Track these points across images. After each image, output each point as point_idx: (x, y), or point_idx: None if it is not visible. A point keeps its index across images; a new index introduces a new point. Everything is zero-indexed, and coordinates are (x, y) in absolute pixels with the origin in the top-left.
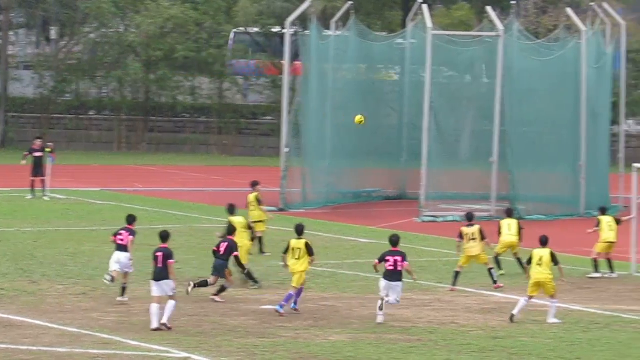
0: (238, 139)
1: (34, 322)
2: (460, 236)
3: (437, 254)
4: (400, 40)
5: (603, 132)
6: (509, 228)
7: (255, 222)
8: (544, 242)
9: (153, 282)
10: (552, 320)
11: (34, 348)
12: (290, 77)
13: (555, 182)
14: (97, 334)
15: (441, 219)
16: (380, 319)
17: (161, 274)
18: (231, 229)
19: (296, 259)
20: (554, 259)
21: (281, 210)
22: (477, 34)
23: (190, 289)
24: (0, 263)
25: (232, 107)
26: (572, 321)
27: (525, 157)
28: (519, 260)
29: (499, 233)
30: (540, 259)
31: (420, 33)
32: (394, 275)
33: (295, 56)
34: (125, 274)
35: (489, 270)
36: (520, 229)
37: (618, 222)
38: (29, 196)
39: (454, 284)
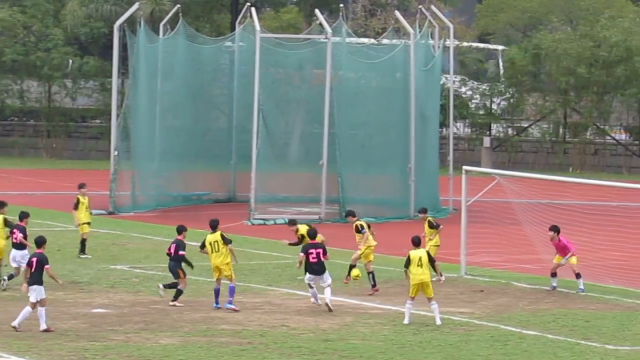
0: (67, 142)
1: None
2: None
3: (268, 257)
4: (229, 43)
5: (432, 135)
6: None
7: (82, 223)
8: (416, 242)
9: (29, 287)
10: (440, 321)
11: None
12: (119, 80)
13: (384, 184)
14: None
15: (271, 222)
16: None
17: (35, 279)
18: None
19: (216, 251)
20: (430, 259)
21: (110, 213)
22: (306, 37)
23: (161, 291)
24: None
25: (61, 110)
26: (402, 323)
27: (354, 159)
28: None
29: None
30: (420, 260)
31: (248, 36)
32: (318, 267)
33: (124, 59)
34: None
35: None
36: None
37: (432, 225)
38: None
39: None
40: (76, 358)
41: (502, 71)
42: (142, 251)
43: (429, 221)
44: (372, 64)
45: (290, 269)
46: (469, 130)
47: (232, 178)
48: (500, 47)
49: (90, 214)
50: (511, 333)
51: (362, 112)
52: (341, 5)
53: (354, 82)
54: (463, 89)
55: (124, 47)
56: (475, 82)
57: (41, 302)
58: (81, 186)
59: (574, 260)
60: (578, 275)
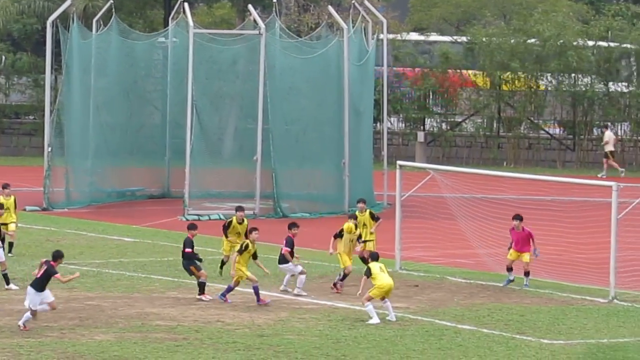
0: (0, 139)
1: None
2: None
3: (202, 253)
4: (162, 39)
5: (366, 130)
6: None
7: (5, 223)
8: (376, 258)
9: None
10: (394, 317)
11: None
12: (52, 77)
13: (319, 179)
14: None
15: (205, 217)
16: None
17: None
18: None
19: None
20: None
21: (45, 209)
22: (239, 32)
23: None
24: None
25: None
26: (337, 318)
27: (288, 155)
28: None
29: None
30: (382, 268)
31: (182, 32)
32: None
33: (57, 55)
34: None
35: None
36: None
37: (374, 217)
38: None
39: None
40: (10, 354)
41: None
42: (77, 247)
43: (370, 213)
44: (305, 59)
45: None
46: (403, 125)
47: (166, 174)
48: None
49: (24, 209)
50: (446, 327)
51: (296, 107)
52: (274, 0)
53: (288, 77)
54: None
55: (57, 44)
56: None
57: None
58: (4, 186)
59: (526, 257)
60: (527, 274)
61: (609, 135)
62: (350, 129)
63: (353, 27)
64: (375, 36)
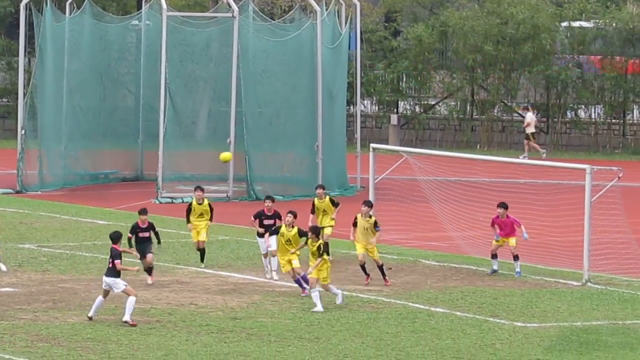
0: None
1: None
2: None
3: (175, 235)
4: (135, 22)
5: (339, 113)
6: None
7: None
8: (318, 233)
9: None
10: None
11: None
12: (26, 59)
13: (292, 162)
14: None
15: (179, 200)
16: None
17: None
18: None
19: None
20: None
21: (18, 192)
22: (212, 15)
23: None
24: None
25: None
26: (311, 301)
27: (261, 138)
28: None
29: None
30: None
31: (155, 14)
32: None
33: (30, 38)
34: None
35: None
36: None
37: (335, 203)
38: None
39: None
40: None
41: None
42: (50, 230)
43: (330, 199)
44: (278, 42)
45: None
46: (376, 107)
47: (139, 157)
48: None
49: None
50: (419, 310)
51: (269, 90)
52: None
53: (261, 60)
54: None
55: (30, 26)
56: None
57: (127, 291)
58: None
59: (513, 242)
60: (516, 258)
61: (530, 116)
62: (324, 112)
63: (326, 9)
64: (348, 19)
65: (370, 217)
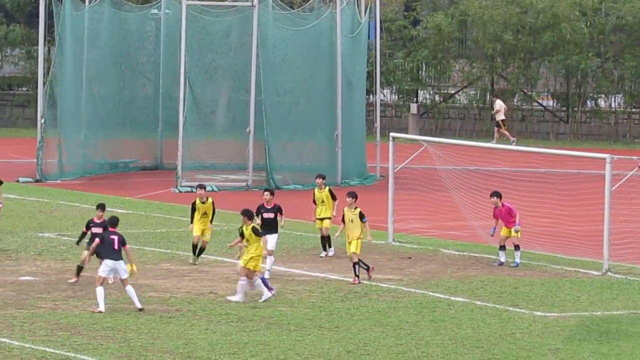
0: None
1: None
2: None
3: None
4: (154, 11)
5: (359, 102)
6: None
7: None
8: (250, 216)
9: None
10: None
11: None
12: (45, 48)
13: (311, 151)
14: None
15: None
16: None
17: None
18: None
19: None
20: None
21: (38, 181)
22: (232, 4)
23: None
24: None
25: None
26: (331, 290)
27: (280, 126)
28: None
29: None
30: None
31: (174, 3)
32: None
33: (50, 27)
34: None
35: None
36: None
37: (334, 196)
38: None
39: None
40: (4, 326)
41: None
42: (69, 219)
43: (330, 190)
44: (298, 31)
45: (217, 236)
46: (396, 97)
47: (158, 145)
48: None
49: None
50: (439, 300)
51: (289, 79)
52: None
53: (281, 49)
54: None
55: (49, 15)
56: None
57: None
58: None
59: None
60: (517, 247)
61: (499, 104)
62: (343, 101)
63: None
64: (367, 8)
65: (355, 208)
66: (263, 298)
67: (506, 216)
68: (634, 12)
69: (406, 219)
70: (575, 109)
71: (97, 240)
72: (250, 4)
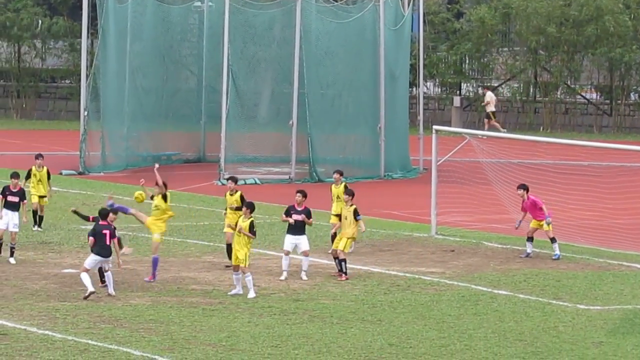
0: (37, 103)
1: None
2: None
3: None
4: (198, 3)
5: (402, 95)
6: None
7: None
8: (244, 207)
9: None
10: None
11: None
12: (88, 41)
13: (354, 144)
14: None
15: (241, 182)
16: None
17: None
18: None
19: None
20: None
21: (80, 173)
22: None
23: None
24: None
25: (30, 70)
26: (373, 283)
27: (323, 119)
28: None
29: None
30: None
31: None
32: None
33: (93, 19)
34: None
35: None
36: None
37: (349, 192)
38: None
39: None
40: (47, 318)
41: None
42: None
43: (345, 186)
44: (341, 23)
45: (260, 229)
46: (439, 89)
47: (201, 138)
48: None
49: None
50: (482, 293)
51: (332, 72)
52: None
53: (324, 42)
54: None
55: (93, 8)
56: None
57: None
58: (37, 157)
59: (545, 226)
60: (553, 240)
61: (490, 95)
62: (386, 94)
63: None
64: (411, 0)
65: (351, 205)
66: (233, 292)
67: (532, 209)
68: None
69: (449, 212)
70: (619, 101)
71: (91, 239)
72: None
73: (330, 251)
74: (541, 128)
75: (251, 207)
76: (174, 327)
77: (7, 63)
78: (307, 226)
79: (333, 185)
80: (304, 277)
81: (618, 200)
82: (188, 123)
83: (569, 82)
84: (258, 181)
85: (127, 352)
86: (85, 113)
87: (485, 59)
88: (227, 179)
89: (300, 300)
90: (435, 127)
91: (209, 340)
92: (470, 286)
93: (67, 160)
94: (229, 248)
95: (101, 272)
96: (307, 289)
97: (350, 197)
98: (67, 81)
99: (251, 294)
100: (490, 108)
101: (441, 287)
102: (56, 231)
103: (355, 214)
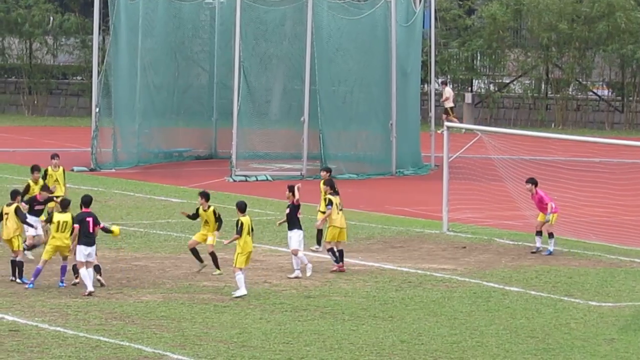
0: (48, 99)
1: None
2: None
3: (249, 214)
4: (209, 0)
5: (413, 91)
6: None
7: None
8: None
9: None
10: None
11: None
12: (100, 37)
13: (366, 140)
14: None
15: (253, 179)
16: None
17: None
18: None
19: (62, 232)
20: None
21: (92, 170)
22: None
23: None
24: None
25: (42, 67)
26: (385, 280)
27: (335, 116)
28: None
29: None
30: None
31: None
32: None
33: (104, 16)
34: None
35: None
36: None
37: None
38: None
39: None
40: (58, 315)
41: None
42: (124, 208)
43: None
44: (352, 20)
45: (271, 225)
46: (451, 86)
47: (213, 135)
48: None
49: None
50: (494, 289)
51: (343, 68)
52: None
53: (335, 38)
54: None
55: (104, 4)
56: None
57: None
58: (53, 157)
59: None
60: (551, 235)
61: (448, 91)
62: (398, 90)
63: None
64: None
65: (334, 195)
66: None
67: (539, 204)
68: None
69: (461, 209)
70: (631, 98)
71: (75, 226)
72: None
73: (326, 247)
74: (553, 125)
75: (206, 197)
76: (186, 323)
77: (18, 60)
78: (297, 221)
79: (321, 183)
80: (291, 275)
81: (630, 197)
82: (199, 119)
83: (580, 79)
84: (269, 178)
85: (138, 349)
86: (97, 110)
87: (497, 56)
88: (199, 194)
89: (311, 296)
90: (446, 123)
91: (221, 337)
92: (482, 283)
93: (78, 157)
94: (194, 251)
95: (75, 268)
96: (318, 285)
97: (329, 187)
98: (79, 78)
99: (237, 292)
100: (449, 104)
101: (453, 283)
102: None
103: (328, 202)
